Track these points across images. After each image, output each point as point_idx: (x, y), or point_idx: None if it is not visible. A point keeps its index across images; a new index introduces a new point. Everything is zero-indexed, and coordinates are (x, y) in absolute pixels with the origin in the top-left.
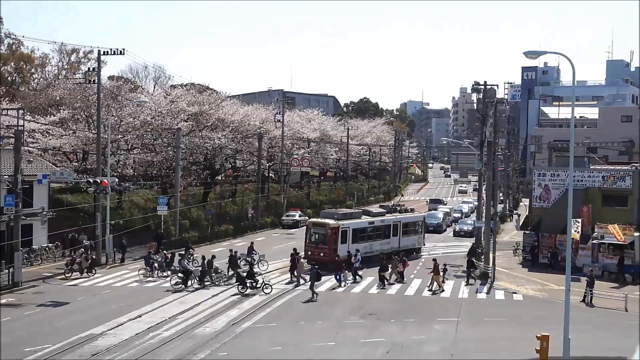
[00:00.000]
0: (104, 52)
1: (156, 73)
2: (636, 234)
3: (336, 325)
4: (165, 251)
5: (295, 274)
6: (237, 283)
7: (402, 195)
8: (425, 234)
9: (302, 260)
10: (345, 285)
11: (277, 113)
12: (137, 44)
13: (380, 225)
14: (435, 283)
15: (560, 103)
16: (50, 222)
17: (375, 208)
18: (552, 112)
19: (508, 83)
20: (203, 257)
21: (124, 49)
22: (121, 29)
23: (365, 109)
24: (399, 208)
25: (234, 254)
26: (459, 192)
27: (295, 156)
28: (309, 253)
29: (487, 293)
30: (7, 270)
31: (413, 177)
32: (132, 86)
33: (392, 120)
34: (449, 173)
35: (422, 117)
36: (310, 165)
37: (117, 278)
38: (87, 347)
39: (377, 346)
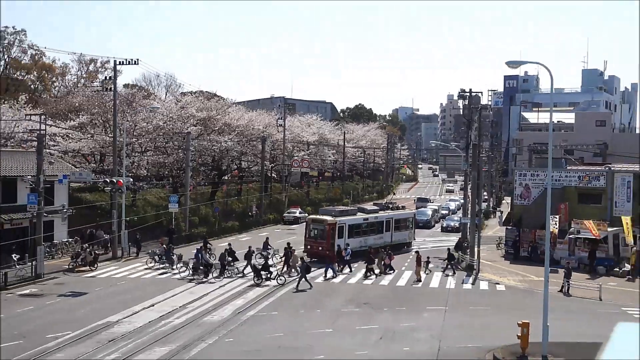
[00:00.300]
0: (120, 62)
1: (167, 81)
2: (609, 229)
3: (334, 314)
4: (164, 245)
5: (290, 263)
6: (253, 275)
7: (394, 194)
8: (416, 230)
9: (295, 254)
10: (335, 276)
11: (279, 118)
12: (150, 54)
13: (374, 222)
14: (417, 273)
15: (539, 109)
16: (70, 218)
17: (369, 206)
18: (532, 117)
19: (491, 90)
20: (226, 250)
21: (138, 59)
22: (136, 40)
23: (360, 114)
24: (391, 206)
25: (249, 248)
26: (446, 191)
27: (296, 158)
28: (309, 247)
29: (472, 284)
30: (30, 263)
31: (404, 177)
32: (146, 93)
33: (385, 125)
34: (437, 173)
35: (412, 122)
36: (309, 166)
37: (131, 270)
38: (104, 334)
39: (372, 333)
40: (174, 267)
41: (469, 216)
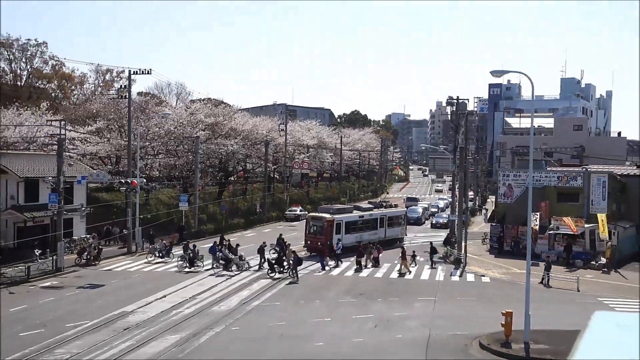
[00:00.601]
0: (134, 72)
1: (178, 89)
2: (586, 225)
3: (332, 304)
4: (164, 241)
5: (285, 257)
6: (267, 268)
7: (388, 193)
8: (407, 226)
9: (290, 248)
10: (328, 268)
11: (281, 123)
12: (162, 64)
13: (369, 219)
14: (403, 266)
15: (521, 115)
16: (88, 216)
17: (364, 204)
18: (514, 122)
19: (477, 97)
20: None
21: (150, 69)
22: (149, 51)
23: (355, 119)
24: (384, 204)
25: (262, 244)
26: (435, 191)
27: (297, 160)
28: (309, 242)
29: (460, 276)
30: (51, 258)
31: (396, 177)
32: (158, 101)
33: (379, 130)
34: (426, 174)
35: (404, 127)
36: (309, 167)
37: (145, 264)
38: (120, 323)
39: (367, 321)
40: (172, 260)
41: (457, 213)
